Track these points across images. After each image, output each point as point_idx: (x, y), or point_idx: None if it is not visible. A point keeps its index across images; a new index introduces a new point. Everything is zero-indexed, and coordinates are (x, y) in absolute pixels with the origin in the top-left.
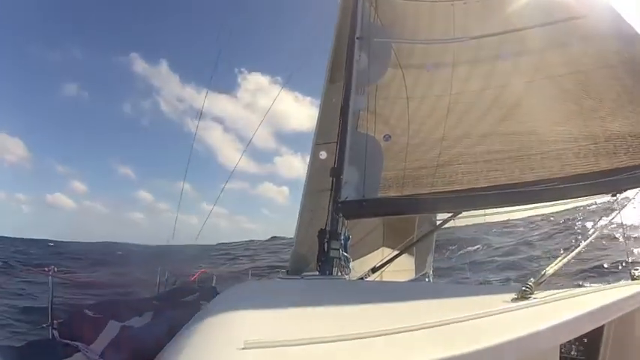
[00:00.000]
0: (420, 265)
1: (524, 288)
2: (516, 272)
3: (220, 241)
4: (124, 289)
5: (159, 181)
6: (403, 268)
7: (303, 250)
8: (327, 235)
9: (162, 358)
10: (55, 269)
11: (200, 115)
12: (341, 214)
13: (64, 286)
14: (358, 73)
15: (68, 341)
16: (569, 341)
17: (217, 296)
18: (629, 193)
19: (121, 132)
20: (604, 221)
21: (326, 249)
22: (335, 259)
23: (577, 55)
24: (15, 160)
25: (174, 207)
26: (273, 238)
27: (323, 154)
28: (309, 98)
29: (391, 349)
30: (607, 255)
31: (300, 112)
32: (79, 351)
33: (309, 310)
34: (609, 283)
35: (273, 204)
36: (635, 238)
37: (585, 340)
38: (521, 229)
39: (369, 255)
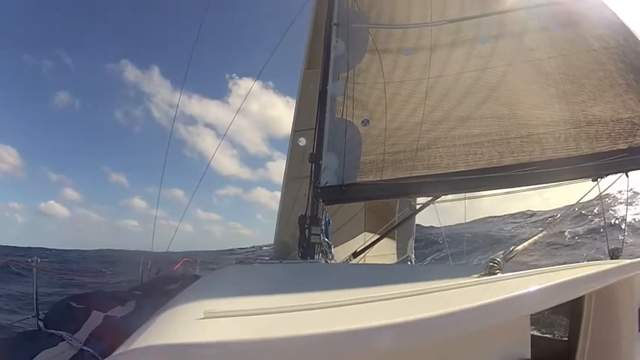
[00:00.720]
0: (401, 250)
1: (491, 264)
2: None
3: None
4: (108, 280)
5: (152, 188)
6: (385, 253)
7: (285, 237)
8: (308, 221)
9: (130, 339)
10: (39, 260)
11: (174, 120)
12: (321, 200)
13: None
14: (336, 59)
15: (53, 331)
16: (549, 317)
17: (196, 281)
18: (610, 178)
19: (113, 139)
20: (577, 206)
21: (307, 235)
22: (316, 245)
23: (558, 39)
24: (8, 169)
25: (169, 214)
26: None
27: (302, 141)
28: None
29: (355, 316)
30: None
31: (292, 116)
32: (64, 340)
33: (279, 287)
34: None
35: (266, 209)
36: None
37: (563, 317)
38: None
39: (351, 240)
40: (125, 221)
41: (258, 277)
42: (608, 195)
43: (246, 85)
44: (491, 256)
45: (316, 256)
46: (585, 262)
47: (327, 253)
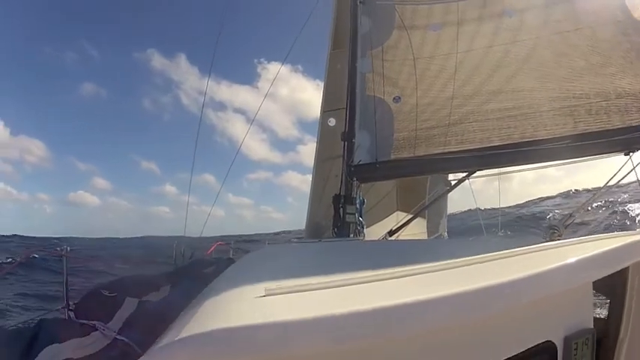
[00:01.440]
0: (432, 228)
1: (552, 230)
2: None
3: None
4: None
5: (183, 174)
6: (415, 232)
7: (318, 218)
8: (342, 200)
9: (179, 322)
10: (68, 248)
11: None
12: (355, 178)
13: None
14: (362, 36)
15: (84, 321)
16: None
17: (235, 263)
18: None
19: (142, 127)
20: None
21: (341, 214)
22: (351, 224)
23: (583, 10)
24: (35, 161)
25: (200, 199)
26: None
27: (332, 121)
28: None
29: (429, 285)
30: None
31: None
32: (97, 330)
33: (327, 263)
34: None
35: (297, 192)
36: None
37: (604, 294)
38: None
39: (384, 220)
40: (157, 208)
41: (303, 255)
42: None
43: (274, 69)
44: (550, 223)
45: (351, 235)
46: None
47: (360, 233)
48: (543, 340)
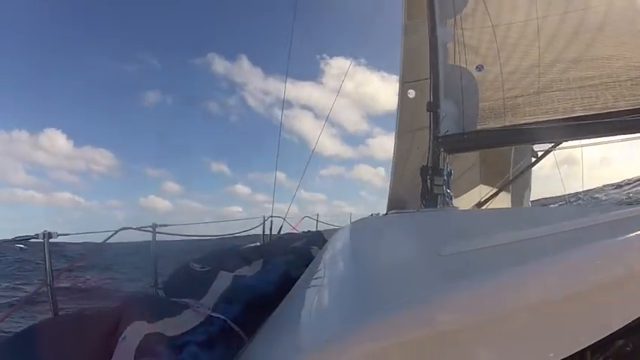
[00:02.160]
0: (517, 200)
1: None
2: None
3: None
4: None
5: (254, 174)
6: (501, 205)
7: (400, 191)
8: (430, 171)
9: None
10: (158, 225)
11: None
12: (442, 149)
13: None
14: (440, 4)
15: (175, 299)
16: None
17: (337, 232)
18: None
19: (209, 130)
20: None
21: (429, 186)
22: (439, 196)
23: None
24: (103, 170)
25: (272, 197)
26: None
27: (411, 93)
28: (394, 76)
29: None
30: None
31: (388, 91)
32: (189, 308)
33: (460, 229)
34: None
35: (370, 186)
36: None
37: None
38: None
39: (467, 193)
40: (229, 208)
41: (425, 223)
42: None
43: (337, 64)
44: None
45: (439, 207)
46: None
47: (448, 204)
48: None
